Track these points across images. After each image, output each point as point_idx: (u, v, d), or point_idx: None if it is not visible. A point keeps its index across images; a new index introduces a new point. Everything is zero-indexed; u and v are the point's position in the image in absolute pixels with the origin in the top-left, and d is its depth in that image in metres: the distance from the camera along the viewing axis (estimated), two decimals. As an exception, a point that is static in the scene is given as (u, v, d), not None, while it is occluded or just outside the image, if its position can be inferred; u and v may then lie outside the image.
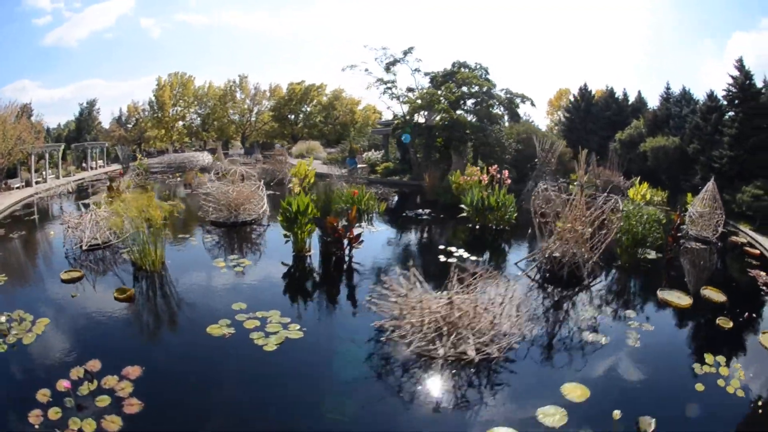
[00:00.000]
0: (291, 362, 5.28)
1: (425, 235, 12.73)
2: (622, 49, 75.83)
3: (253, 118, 48.47)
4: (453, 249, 9.40)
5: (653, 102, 29.93)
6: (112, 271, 8.46)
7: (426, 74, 25.57)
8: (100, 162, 30.63)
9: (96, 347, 5.44)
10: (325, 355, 5.52)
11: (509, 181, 12.68)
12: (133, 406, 4.22)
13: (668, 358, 5.51)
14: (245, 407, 4.48)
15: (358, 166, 26.76)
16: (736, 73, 17.69)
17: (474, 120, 22.32)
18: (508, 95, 22.89)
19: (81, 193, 20.80)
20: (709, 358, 5.21)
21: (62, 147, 25.38)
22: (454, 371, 4.60)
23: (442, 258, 8.82)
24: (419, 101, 22.26)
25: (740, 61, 17.65)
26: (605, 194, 8.93)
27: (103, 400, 4.27)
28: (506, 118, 24.24)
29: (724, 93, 18.47)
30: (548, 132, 30.29)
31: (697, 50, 66.18)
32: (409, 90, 25.62)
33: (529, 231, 11.33)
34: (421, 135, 23.56)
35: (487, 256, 10.00)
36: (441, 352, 4.37)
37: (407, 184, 22.40)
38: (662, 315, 6.63)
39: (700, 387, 4.68)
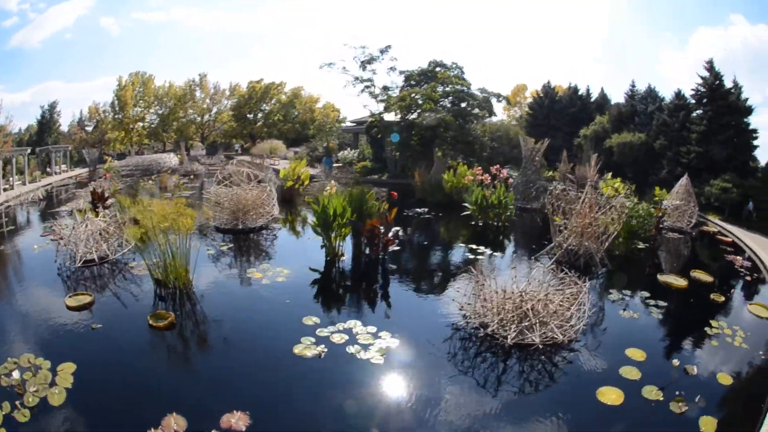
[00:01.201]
0: (413, 371, 5.37)
1: (437, 233, 14.05)
2: (580, 41, 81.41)
3: (212, 118, 48.92)
4: (473, 246, 10.86)
5: (616, 98, 33.22)
6: (127, 291, 7.83)
7: (401, 72, 27.19)
8: (63, 166, 30.56)
9: (162, 395, 4.87)
10: (435, 358, 5.59)
11: (511, 180, 14.42)
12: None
13: (684, 326, 7.22)
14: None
15: (334, 165, 27.84)
16: (705, 73, 20.54)
17: (452, 118, 24.04)
18: (485, 94, 24.89)
19: (53, 199, 20.34)
20: (714, 323, 6.97)
21: (28, 151, 25.24)
22: (547, 351, 5.86)
23: (470, 255, 10.22)
24: (406, 100, 23.56)
25: (710, 62, 20.53)
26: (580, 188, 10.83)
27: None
28: (486, 116, 26.06)
29: (693, 92, 21.35)
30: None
31: (656, 43, 72.45)
32: (386, 89, 27.12)
33: (539, 224, 13.03)
34: (399, 133, 25.09)
35: (509, 250, 11.49)
36: (537, 340, 5.61)
37: (390, 183, 23.70)
38: (668, 294, 8.36)
39: (714, 343, 6.37)
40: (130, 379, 5.15)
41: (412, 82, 26.91)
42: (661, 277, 9.27)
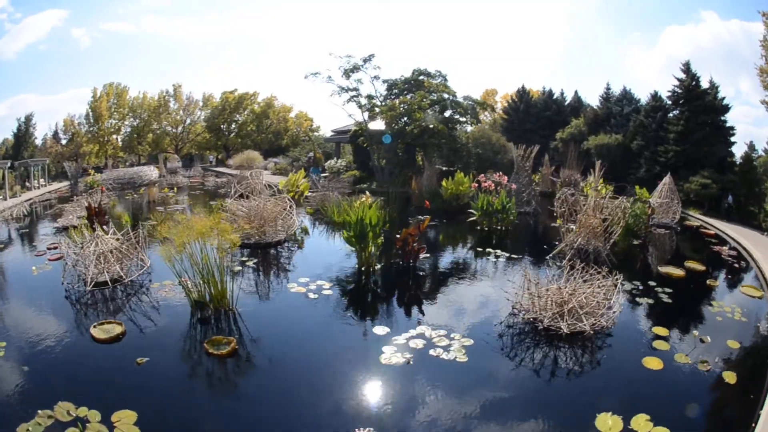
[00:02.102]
0: (498, 363, 6.11)
1: (449, 239, 15.26)
2: (548, 45, 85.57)
3: (186, 130, 49.74)
4: (489, 249, 12.22)
5: (590, 100, 35.62)
6: (159, 315, 7.70)
7: (384, 81, 28.62)
8: (42, 181, 31.05)
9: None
10: (510, 350, 6.45)
11: (514, 186, 15.97)
12: None
13: (691, 306, 8.74)
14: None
15: (322, 175, 28.87)
16: (682, 75, 22.87)
17: (444, 126, 25.55)
18: (468, 101, 26.61)
19: (38, 215, 20.42)
20: (715, 303, 8.55)
21: (8, 165, 25.45)
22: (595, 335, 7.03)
23: (492, 258, 11.58)
24: (396, 109, 24.79)
25: (687, 64, 23.00)
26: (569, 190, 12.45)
27: None
28: (475, 123, 27.68)
29: (669, 93, 23.74)
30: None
31: (625, 44, 76.99)
32: (370, 98, 28.44)
33: (552, 226, 14.47)
34: (383, 142, 26.51)
35: (523, 252, 12.78)
36: (587, 327, 6.80)
37: (384, 192, 24.92)
38: (672, 283, 9.88)
39: (719, 318, 7.89)
40: (219, 423, 4.90)
41: (395, 91, 28.41)
42: (662, 268, 10.85)
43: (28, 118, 39.54)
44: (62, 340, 6.75)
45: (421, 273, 10.44)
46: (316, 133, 51.41)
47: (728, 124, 22.38)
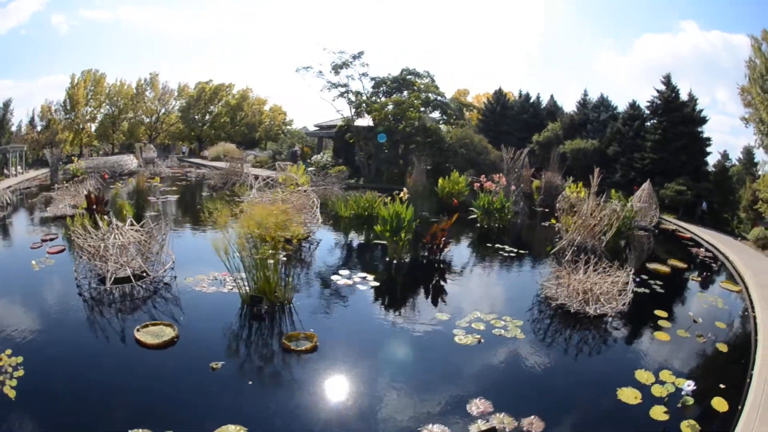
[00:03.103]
0: (549, 337, 7.57)
1: (456, 234, 16.27)
2: (518, 44, 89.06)
3: (160, 119, 49.72)
4: (497, 245, 13.76)
5: (565, 105, 38.11)
6: (206, 314, 7.91)
7: (372, 79, 29.91)
8: (19, 168, 30.76)
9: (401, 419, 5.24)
10: (551, 328, 7.88)
11: (513, 187, 17.66)
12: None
13: (681, 296, 10.59)
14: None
15: (309, 169, 29.81)
16: (662, 87, 25.22)
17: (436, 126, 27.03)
18: (456, 104, 28.30)
19: (22, 204, 20.34)
20: (700, 294, 10.41)
21: None
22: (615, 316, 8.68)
23: (504, 253, 13.11)
24: (387, 107, 26.12)
25: (667, 77, 25.51)
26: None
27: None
28: (464, 124, 29.34)
29: (648, 104, 26.07)
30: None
31: (598, 47, 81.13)
32: (358, 94, 29.70)
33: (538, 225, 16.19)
34: (371, 139, 27.85)
35: (529, 247, 14.38)
36: (610, 311, 8.37)
37: (374, 188, 26.10)
38: (660, 277, 11.63)
39: (705, 305, 9.69)
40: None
41: (384, 89, 29.75)
42: (649, 265, 12.69)
43: (6, 104, 37.89)
44: (103, 349, 6.52)
45: (449, 265, 11.85)
46: (289, 127, 52.12)
47: (705, 135, 25.00)
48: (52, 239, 12.77)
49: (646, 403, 5.59)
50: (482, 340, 7.17)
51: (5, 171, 28.80)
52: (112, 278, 8.59)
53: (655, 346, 7.48)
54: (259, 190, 15.46)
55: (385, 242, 12.15)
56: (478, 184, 17.41)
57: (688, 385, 5.71)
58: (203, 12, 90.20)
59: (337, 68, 29.17)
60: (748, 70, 20.17)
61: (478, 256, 13.53)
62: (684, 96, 25.74)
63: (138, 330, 6.78)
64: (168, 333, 6.77)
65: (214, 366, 5.96)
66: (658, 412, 5.42)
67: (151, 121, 49.68)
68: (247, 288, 8.01)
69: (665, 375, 6.24)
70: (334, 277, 9.99)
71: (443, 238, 11.43)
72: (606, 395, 5.72)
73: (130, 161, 33.36)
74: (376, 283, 9.75)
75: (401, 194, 12.36)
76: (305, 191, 14.50)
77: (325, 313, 8.28)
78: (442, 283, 10.69)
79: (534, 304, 8.96)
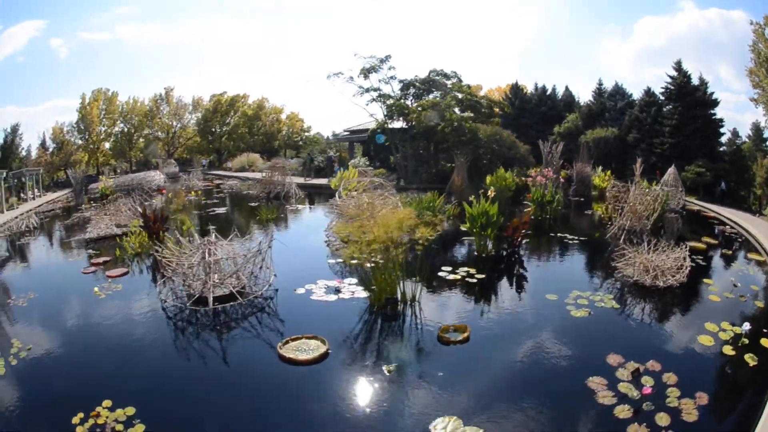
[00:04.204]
0: (643, 303, 9.90)
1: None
2: (518, 34, 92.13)
3: (177, 134, 52.84)
4: (560, 234, 16.75)
5: (581, 94, 40.93)
6: (335, 321, 8.65)
7: (400, 81, 32.66)
8: (36, 191, 32.28)
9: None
10: (638, 298, 10.25)
11: (563, 180, 20.68)
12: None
13: (719, 266, 13.59)
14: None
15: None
16: (674, 73, 28.09)
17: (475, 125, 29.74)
18: (488, 102, 31.15)
19: (51, 227, 21.06)
20: (734, 264, 13.48)
21: (3, 175, 26.33)
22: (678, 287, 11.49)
23: (566, 240, 16.04)
24: (425, 109, 28.81)
25: (678, 63, 28.45)
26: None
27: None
28: (497, 122, 32.17)
29: (662, 90, 28.94)
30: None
31: (599, 33, 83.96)
32: (386, 97, 32.43)
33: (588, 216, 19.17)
34: (408, 141, 30.68)
35: (585, 234, 17.22)
36: (674, 282, 11.18)
37: (416, 188, 28.64)
38: (698, 252, 14.49)
39: (740, 273, 12.68)
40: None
41: (413, 91, 32.51)
42: (689, 242, 15.71)
43: (15, 129, 40.69)
44: (256, 376, 6.98)
45: (531, 254, 14.64)
46: (307, 134, 54.82)
47: (717, 117, 27.90)
48: (104, 262, 13.17)
49: (717, 345, 8.18)
50: (591, 312, 9.51)
51: (22, 195, 30.00)
52: (211, 297, 9.05)
53: (712, 305, 10.41)
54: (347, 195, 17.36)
55: (464, 238, 14.72)
56: (530, 179, 20.36)
57: (745, 327, 8.68)
58: (200, 24, 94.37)
59: (366, 72, 31.80)
60: (753, 54, 22.42)
61: (549, 245, 16.28)
62: (695, 80, 28.67)
63: (282, 345, 7.34)
64: (314, 345, 7.29)
65: (388, 369, 6.70)
66: (728, 350, 8.12)
67: (168, 137, 52.57)
68: (373, 290, 9.12)
69: (725, 325, 9.20)
70: (441, 273, 11.54)
71: (523, 231, 14.21)
72: (692, 341, 8.56)
73: (157, 177, 35.08)
74: (482, 276, 11.49)
75: (489, 192, 14.48)
76: (388, 195, 16.96)
77: (449, 306, 9.78)
78: (534, 270, 13.27)
79: (614, 281, 11.68)
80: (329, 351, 7.25)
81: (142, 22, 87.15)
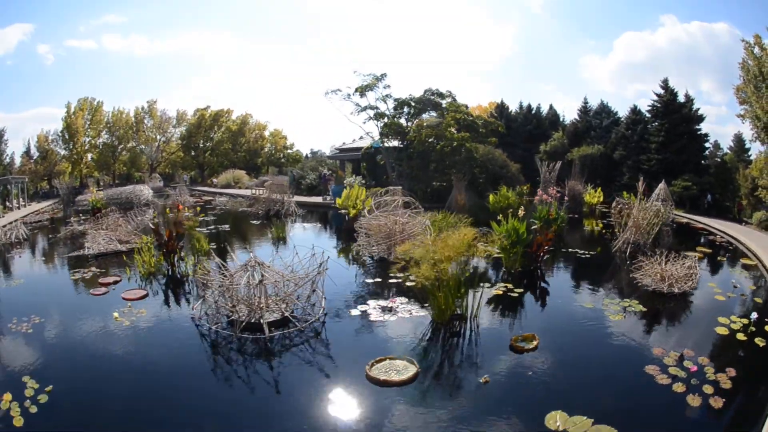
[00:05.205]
0: (669, 307, 11.50)
1: None
2: (497, 51, 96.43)
3: (161, 148, 53.26)
4: (569, 249, 18.86)
5: (567, 114, 43.71)
6: (407, 340, 9.16)
7: (395, 100, 34.58)
8: (21, 200, 32.05)
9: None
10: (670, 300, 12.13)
11: (566, 198, 22.87)
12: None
13: (718, 270, 15.87)
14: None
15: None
16: (660, 90, 30.88)
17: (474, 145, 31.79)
18: (483, 121, 33.46)
19: (40, 240, 20.77)
20: (730, 269, 15.78)
21: None
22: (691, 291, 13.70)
23: (579, 255, 18.15)
24: (423, 129, 30.84)
25: (665, 81, 31.38)
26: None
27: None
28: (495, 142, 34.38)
29: (649, 107, 31.86)
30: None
31: (577, 49, 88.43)
32: (381, 116, 34.33)
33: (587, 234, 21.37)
34: (404, 159, 32.64)
35: (591, 248, 19.34)
36: (688, 288, 13.28)
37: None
38: (699, 261, 16.93)
39: (737, 276, 14.98)
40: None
41: (407, 110, 34.48)
42: (686, 252, 18.00)
43: (0, 135, 40.38)
44: (349, 406, 6.83)
45: (553, 268, 16.49)
46: (288, 151, 56.41)
47: (702, 132, 30.75)
48: (115, 282, 12.70)
49: (732, 333, 10.16)
50: (625, 316, 11.15)
51: (7, 203, 29.52)
52: (241, 325, 8.98)
53: (720, 303, 12.44)
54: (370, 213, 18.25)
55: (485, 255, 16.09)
56: (537, 197, 22.48)
57: (753, 316, 10.69)
58: (185, 37, 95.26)
59: (362, 90, 33.61)
60: (742, 71, 24.39)
61: (565, 259, 18.21)
62: (681, 98, 31.40)
63: (371, 367, 7.64)
64: (402, 366, 7.67)
65: (485, 379, 7.46)
66: (741, 336, 10.02)
67: (151, 150, 53.13)
68: (440, 308, 9.76)
69: (734, 318, 11.18)
70: (477, 289, 11.85)
71: (546, 247, 16.17)
72: (711, 331, 10.27)
73: (147, 191, 35.24)
74: (520, 290, 12.64)
75: (519, 212, 16.03)
76: (414, 215, 18.15)
77: (505, 318, 10.96)
78: (562, 282, 15.10)
79: (635, 290, 13.30)
80: (419, 370, 7.66)
81: (128, 32, 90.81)
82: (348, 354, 8.54)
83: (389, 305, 10.89)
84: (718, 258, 17.52)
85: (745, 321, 10.42)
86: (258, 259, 10.05)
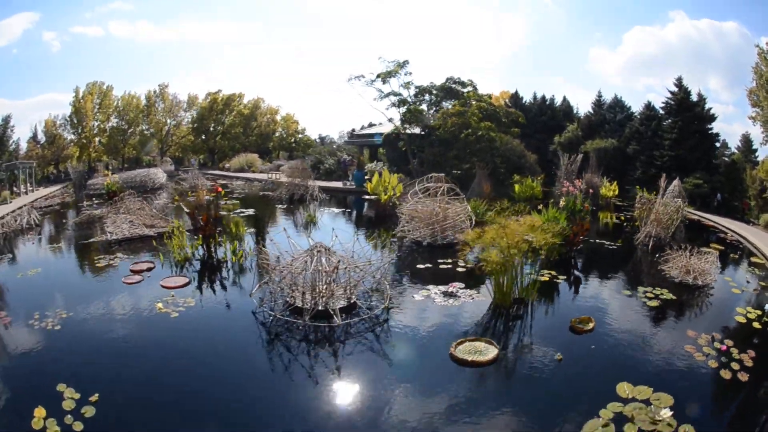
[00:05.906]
0: (694, 294, 13.37)
1: None
2: (505, 43, 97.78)
3: (171, 132, 54.61)
4: (595, 239, 21.02)
5: (581, 106, 45.37)
6: (480, 323, 10.24)
7: (416, 87, 36.22)
8: (29, 185, 32.66)
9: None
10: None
11: (592, 190, 24.96)
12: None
13: (732, 265, 18.17)
14: None
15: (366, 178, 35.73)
16: (674, 89, 32.68)
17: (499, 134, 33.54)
18: (505, 112, 35.24)
19: (54, 225, 20.88)
20: (741, 267, 18.09)
21: None
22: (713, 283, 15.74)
23: (606, 245, 20.31)
24: (451, 117, 32.48)
25: (679, 79, 33.17)
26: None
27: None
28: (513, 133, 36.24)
29: (663, 104, 33.56)
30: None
31: (585, 42, 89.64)
32: (404, 102, 35.94)
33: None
34: (426, 147, 34.33)
35: (614, 240, 21.41)
36: (710, 281, 15.33)
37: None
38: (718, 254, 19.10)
39: (750, 272, 17.20)
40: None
41: (429, 97, 36.16)
42: (705, 248, 20.22)
43: (6, 120, 40.92)
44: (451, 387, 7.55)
45: (588, 256, 18.47)
46: (300, 135, 57.59)
47: (714, 131, 32.64)
48: (149, 269, 12.41)
49: (748, 322, 12.07)
50: (660, 303, 13.03)
51: (14, 188, 30.15)
52: (312, 313, 9.10)
53: (737, 296, 14.39)
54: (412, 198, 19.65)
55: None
56: (565, 189, 24.54)
57: (767, 308, 12.91)
58: (191, 25, 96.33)
59: (384, 77, 35.13)
60: (755, 75, 26.04)
61: (594, 250, 19.95)
62: (695, 96, 33.20)
63: (455, 347, 8.42)
64: (482, 347, 8.44)
65: (559, 357, 8.44)
66: (756, 325, 11.96)
67: (161, 134, 54.33)
68: (504, 292, 10.69)
69: (749, 309, 13.07)
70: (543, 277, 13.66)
71: (581, 237, 18.11)
72: (731, 319, 12.22)
73: (161, 174, 36.35)
74: (564, 277, 14.13)
75: (562, 202, 18.27)
76: (456, 201, 19.62)
77: (559, 303, 12.21)
78: (598, 271, 17.05)
79: (664, 281, 15.16)
80: (499, 350, 8.53)
81: (133, 18, 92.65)
82: (426, 337, 9.30)
83: (450, 290, 11.71)
84: (730, 255, 19.72)
85: (759, 312, 12.51)
86: (323, 244, 10.05)
